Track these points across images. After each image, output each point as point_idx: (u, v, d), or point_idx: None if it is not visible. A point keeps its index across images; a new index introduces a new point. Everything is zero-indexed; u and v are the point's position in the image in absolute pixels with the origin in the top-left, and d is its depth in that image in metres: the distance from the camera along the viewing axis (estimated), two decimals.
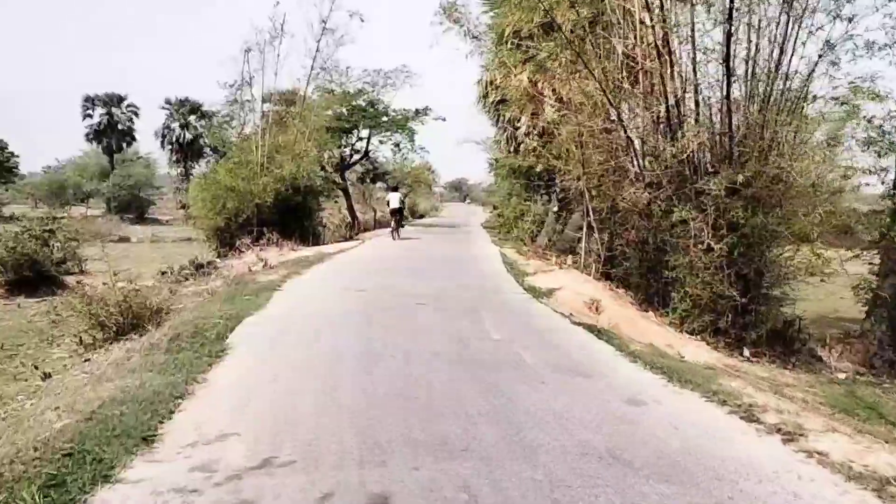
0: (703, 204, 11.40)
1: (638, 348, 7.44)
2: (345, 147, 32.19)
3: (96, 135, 68.14)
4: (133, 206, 56.97)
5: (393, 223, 24.47)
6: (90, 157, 70.30)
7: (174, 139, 63.81)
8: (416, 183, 45.23)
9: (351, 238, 26.96)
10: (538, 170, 28.74)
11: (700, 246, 11.13)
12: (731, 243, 10.90)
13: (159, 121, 64.80)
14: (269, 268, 13.88)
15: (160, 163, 66.44)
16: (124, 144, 70.36)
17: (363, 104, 30.60)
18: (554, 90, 15.73)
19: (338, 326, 7.81)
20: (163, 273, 19.01)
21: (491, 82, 24.55)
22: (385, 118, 30.92)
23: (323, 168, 29.53)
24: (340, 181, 31.96)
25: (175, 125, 64.69)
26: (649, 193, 11.98)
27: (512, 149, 29.43)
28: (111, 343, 10.49)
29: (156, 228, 47.27)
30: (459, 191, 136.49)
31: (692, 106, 12.45)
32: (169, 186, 69.74)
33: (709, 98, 12.35)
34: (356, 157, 33.39)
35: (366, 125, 31.02)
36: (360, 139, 32.55)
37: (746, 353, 11.45)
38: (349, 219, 31.97)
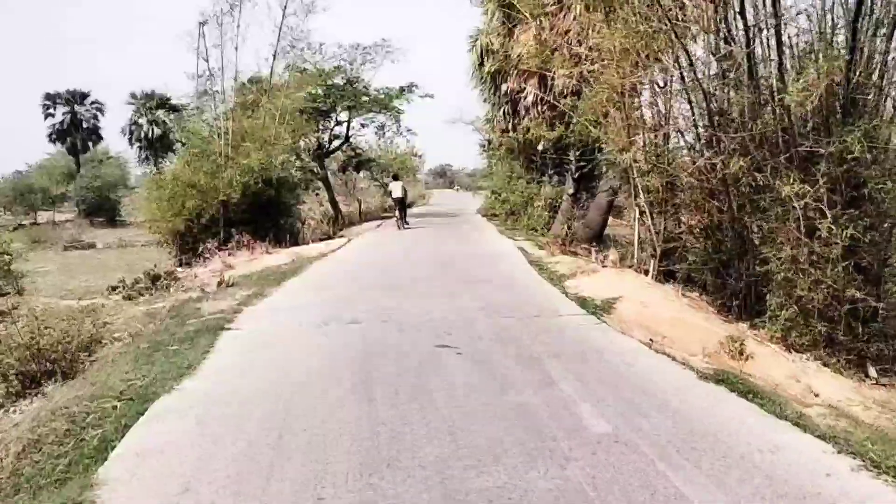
0: (812, 174, 8.28)
1: (837, 424, 4.28)
2: (322, 132, 28.76)
3: (59, 134, 64.36)
4: (104, 209, 53.14)
5: (397, 213, 23.06)
6: (56, 159, 66.17)
7: (142, 135, 59.72)
8: (403, 169, 41.83)
9: (334, 235, 23.68)
10: (540, 147, 25.75)
11: (817, 232, 8.00)
12: (864, 225, 7.77)
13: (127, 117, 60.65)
14: (225, 287, 10.58)
15: (134, 162, 62.48)
16: (90, 143, 66.48)
17: (340, 83, 27.18)
18: (579, 41, 12.46)
19: (311, 418, 4.55)
20: (113, 288, 15.80)
21: (487, 48, 21.25)
22: (366, 98, 27.49)
23: (298, 156, 26.15)
24: (319, 170, 28.55)
25: (142, 121, 60.55)
26: (737, 162, 8.79)
27: (510, 125, 26.34)
28: (16, 400, 7.48)
29: (126, 232, 43.70)
30: (444, 177, 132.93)
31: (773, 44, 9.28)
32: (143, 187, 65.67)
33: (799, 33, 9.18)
34: (336, 143, 29.94)
35: (344, 106, 27.58)
36: (339, 123, 29.15)
37: (873, 372, 8.41)
38: (332, 212, 28.56)
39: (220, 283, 10.78)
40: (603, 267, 10.96)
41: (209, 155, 19.21)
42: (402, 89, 28.33)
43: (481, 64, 22.61)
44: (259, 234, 18.71)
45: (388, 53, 28.08)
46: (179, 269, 17.76)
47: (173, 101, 49.05)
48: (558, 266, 11.63)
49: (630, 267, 10.80)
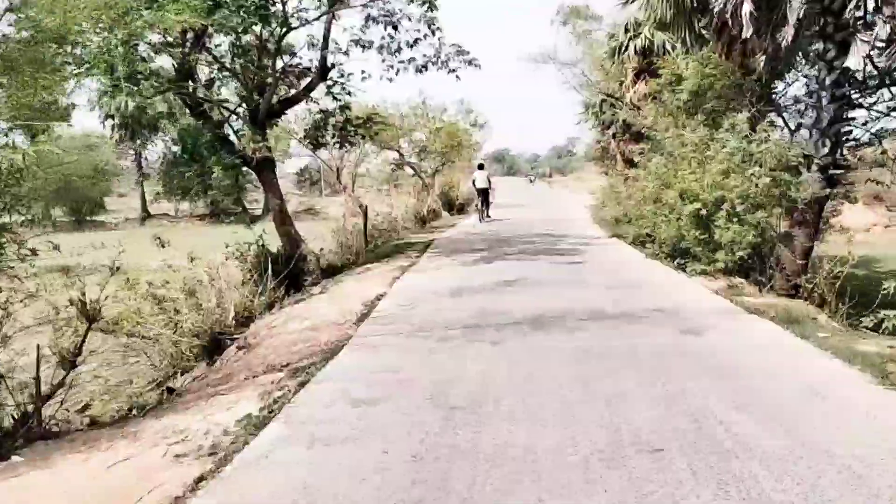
0: None
1: None
2: (243, 50, 11.86)
3: None
4: None
5: (479, 204, 22.23)
6: None
7: None
8: (451, 149, 24.95)
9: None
10: None
11: None
12: None
13: None
14: None
15: None
16: None
17: None
18: None
19: None
20: None
21: None
22: None
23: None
24: (256, 144, 11.76)
25: None
26: None
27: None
28: None
29: None
30: (501, 163, 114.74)
31: None
32: None
33: None
34: (290, 88, 12.96)
35: None
36: (294, 28, 12.13)
37: None
38: (286, 250, 11.78)
39: None
40: None
41: None
42: None
43: None
44: None
45: None
46: None
47: None
48: None
49: None
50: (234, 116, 12.92)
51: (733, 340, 5.85)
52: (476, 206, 22.37)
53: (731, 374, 4.90)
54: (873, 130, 11.44)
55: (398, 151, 25.02)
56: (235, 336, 8.80)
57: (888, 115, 10.60)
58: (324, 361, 5.97)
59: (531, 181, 59.53)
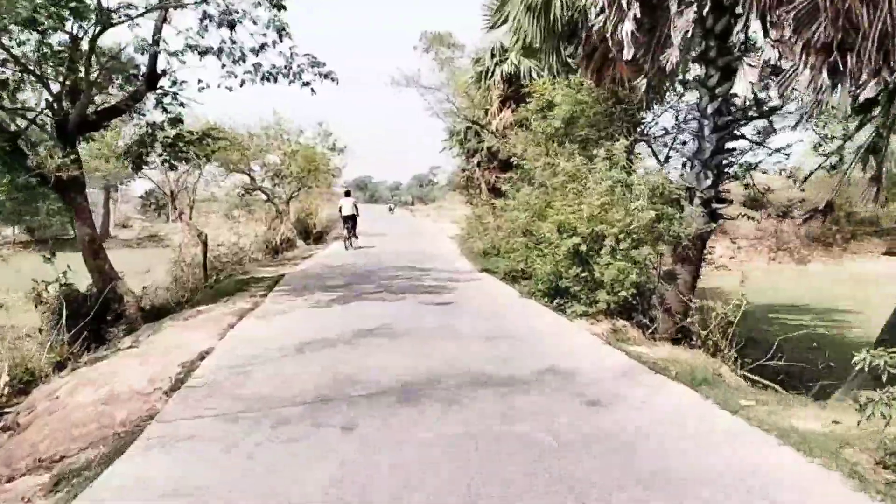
0: None
1: None
2: (51, 50, 9.78)
3: None
4: None
5: (346, 231, 21.48)
6: None
7: None
8: (308, 173, 23.11)
9: None
10: None
11: None
12: None
13: None
14: None
15: None
16: None
17: None
18: None
19: None
20: None
21: None
22: None
23: None
24: (51, 160, 9.54)
25: None
26: None
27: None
28: None
29: None
30: (364, 191, 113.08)
31: None
32: None
33: None
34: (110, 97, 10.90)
35: None
36: (122, 17, 10.11)
37: None
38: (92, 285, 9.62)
39: None
40: None
41: None
42: None
43: None
44: None
45: None
46: None
47: None
48: None
49: None
50: (36, 127, 10.68)
51: (651, 417, 4.69)
52: (343, 234, 21.65)
53: (670, 482, 3.69)
54: (740, 162, 11.28)
55: (249, 175, 22.90)
56: (6, 410, 6.70)
57: (761, 144, 10.36)
58: (104, 464, 4.19)
59: (391, 209, 57.41)
